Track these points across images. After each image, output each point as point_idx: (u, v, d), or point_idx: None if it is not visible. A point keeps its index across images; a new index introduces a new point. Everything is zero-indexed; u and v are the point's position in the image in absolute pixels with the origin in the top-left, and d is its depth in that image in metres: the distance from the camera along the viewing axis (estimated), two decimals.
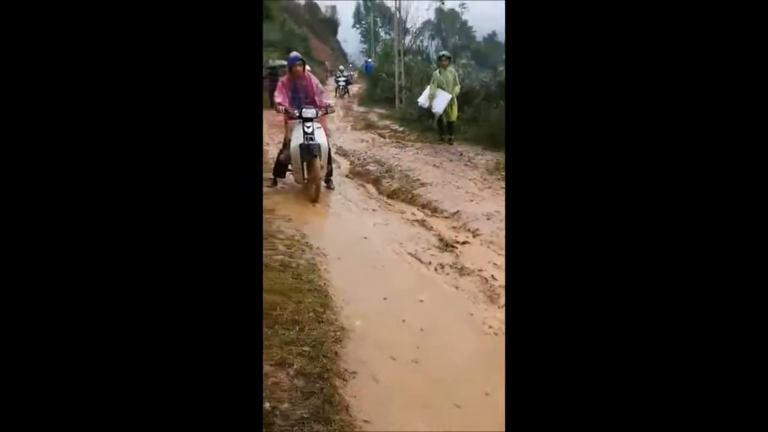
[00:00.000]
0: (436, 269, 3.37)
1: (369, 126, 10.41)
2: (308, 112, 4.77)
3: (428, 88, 7.88)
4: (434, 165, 6.32)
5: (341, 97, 15.75)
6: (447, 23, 52.19)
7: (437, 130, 7.98)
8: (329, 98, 5.26)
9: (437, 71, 7.79)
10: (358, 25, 52.14)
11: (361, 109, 13.61)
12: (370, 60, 21.91)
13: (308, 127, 4.70)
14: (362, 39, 45.30)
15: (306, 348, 2.15)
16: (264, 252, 3.05)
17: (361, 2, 53.13)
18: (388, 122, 10.58)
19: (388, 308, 2.80)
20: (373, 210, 4.77)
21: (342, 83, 16.48)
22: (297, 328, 2.29)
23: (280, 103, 4.86)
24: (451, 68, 7.89)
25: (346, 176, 6.14)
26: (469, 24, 53.41)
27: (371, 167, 6.38)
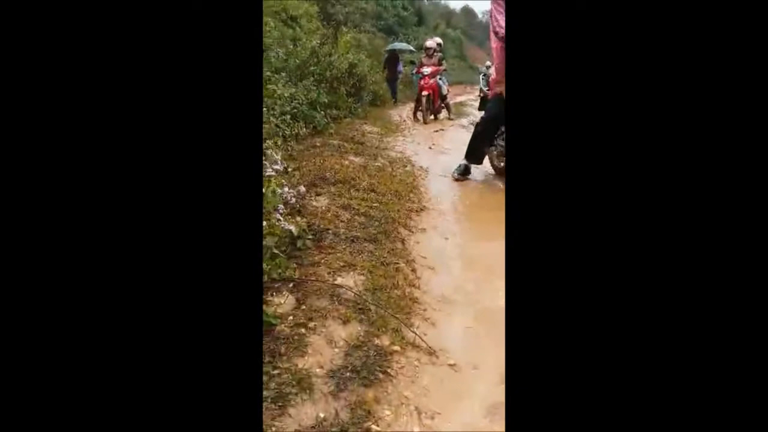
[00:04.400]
0: None
1: None
2: None
3: None
4: None
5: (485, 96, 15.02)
6: None
7: None
8: None
9: None
10: None
11: None
12: None
13: None
14: None
15: (376, 204, 2.20)
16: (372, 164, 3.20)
17: None
18: None
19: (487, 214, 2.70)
20: None
21: (485, 78, 15.41)
22: (373, 194, 2.36)
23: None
24: None
25: None
26: None
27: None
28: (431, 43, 7.95)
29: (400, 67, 10.27)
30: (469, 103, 11.96)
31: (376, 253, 1.74)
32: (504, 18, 2.84)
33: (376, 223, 1.99)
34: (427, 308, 1.54)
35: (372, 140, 4.69)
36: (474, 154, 3.26)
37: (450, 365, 1.31)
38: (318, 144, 3.42)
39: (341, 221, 1.96)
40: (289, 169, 2.48)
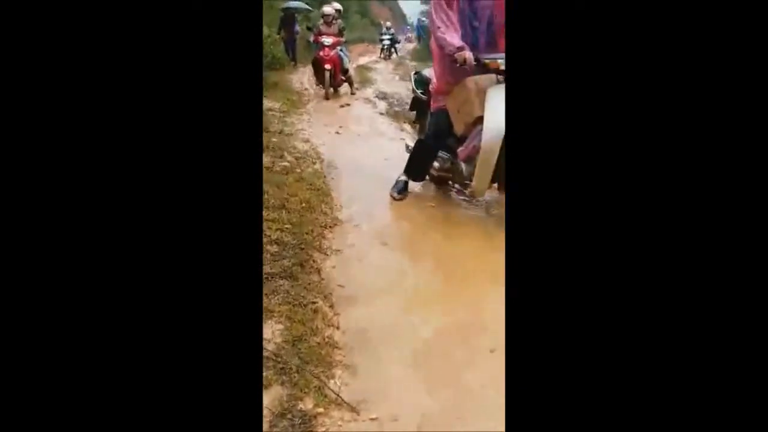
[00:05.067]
0: None
1: None
2: None
3: None
4: None
5: (386, 58, 14.16)
6: None
7: None
8: None
9: None
10: None
11: (414, 63, 13.29)
12: (424, 18, 21.13)
13: None
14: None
15: (288, 225, 2.14)
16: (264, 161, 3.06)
17: None
18: None
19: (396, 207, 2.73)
20: (401, 139, 4.66)
21: (387, 42, 14.46)
22: (284, 212, 2.28)
23: (461, 48, 2.34)
24: None
25: (380, 114, 6.04)
26: None
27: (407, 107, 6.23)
28: (329, 9, 7.23)
29: (297, 28, 9.61)
30: (372, 67, 11.82)
31: (292, 293, 1.71)
32: (453, 31, 2.38)
33: (291, 252, 1.94)
34: (347, 354, 1.56)
35: (274, 123, 4.50)
36: (416, 170, 2.89)
37: (372, 419, 1.35)
38: None
39: None
40: None
